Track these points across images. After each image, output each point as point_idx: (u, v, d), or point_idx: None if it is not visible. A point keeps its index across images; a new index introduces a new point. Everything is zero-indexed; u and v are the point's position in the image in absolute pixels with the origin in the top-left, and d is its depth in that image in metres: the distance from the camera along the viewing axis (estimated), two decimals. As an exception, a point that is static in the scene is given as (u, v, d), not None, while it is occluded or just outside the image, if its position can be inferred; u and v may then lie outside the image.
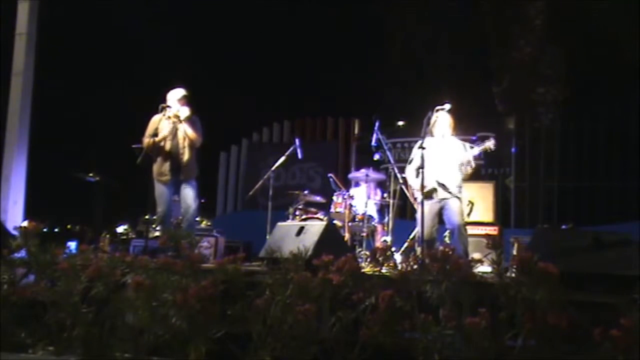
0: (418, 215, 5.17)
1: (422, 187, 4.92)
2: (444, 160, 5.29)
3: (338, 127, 10.41)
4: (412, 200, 6.55)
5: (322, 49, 10.28)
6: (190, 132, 5.51)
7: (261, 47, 10.44)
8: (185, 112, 5.52)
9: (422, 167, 4.86)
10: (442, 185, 5.21)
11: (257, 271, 3.79)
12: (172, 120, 5.47)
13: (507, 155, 8.83)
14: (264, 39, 10.37)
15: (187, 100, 5.58)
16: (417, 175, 5.11)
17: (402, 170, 6.56)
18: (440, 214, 5.33)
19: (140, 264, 3.54)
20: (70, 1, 8.55)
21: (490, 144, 5.21)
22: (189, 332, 3.11)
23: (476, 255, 4.55)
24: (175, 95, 5.57)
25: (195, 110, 5.64)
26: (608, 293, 2.98)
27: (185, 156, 5.51)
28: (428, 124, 5.38)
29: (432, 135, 5.38)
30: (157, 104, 5.54)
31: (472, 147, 5.35)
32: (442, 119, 5.38)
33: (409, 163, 5.47)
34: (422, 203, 4.98)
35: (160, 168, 5.49)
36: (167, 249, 4.06)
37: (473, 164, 5.32)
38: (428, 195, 5.17)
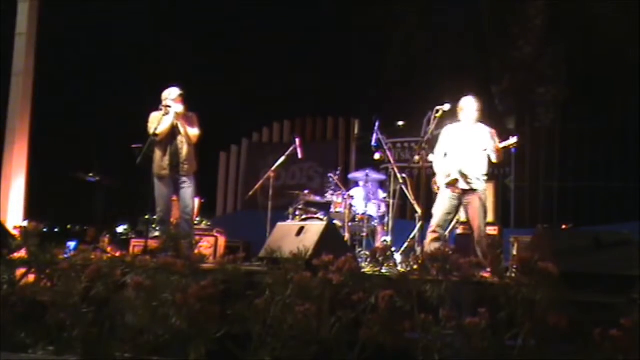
0: (437, 203, 5.19)
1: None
2: (469, 148, 5.23)
3: (338, 127, 10.40)
4: (412, 199, 6.56)
5: (322, 49, 10.27)
6: (189, 130, 5.58)
7: (261, 47, 10.43)
8: (179, 108, 5.56)
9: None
10: (464, 176, 5.15)
11: (257, 271, 3.78)
12: (167, 113, 5.51)
13: (507, 155, 8.81)
14: (264, 39, 10.36)
15: (182, 99, 5.62)
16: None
17: (402, 170, 6.57)
18: (458, 208, 5.30)
19: (140, 264, 3.54)
20: (71, 1, 8.55)
21: (513, 140, 5.24)
22: (189, 332, 3.11)
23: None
24: (171, 94, 5.61)
25: (189, 107, 5.67)
26: (608, 293, 2.98)
27: (184, 151, 5.57)
28: (428, 123, 5.41)
29: (459, 121, 5.34)
30: (156, 104, 5.57)
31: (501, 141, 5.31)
32: (470, 104, 5.32)
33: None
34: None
35: (161, 162, 5.55)
36: (167, 249, 4.06)
37: (495, 156, 5.25)
38: (451, 184, 5.16)
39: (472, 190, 5.15)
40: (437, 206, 5.22)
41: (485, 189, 5.25)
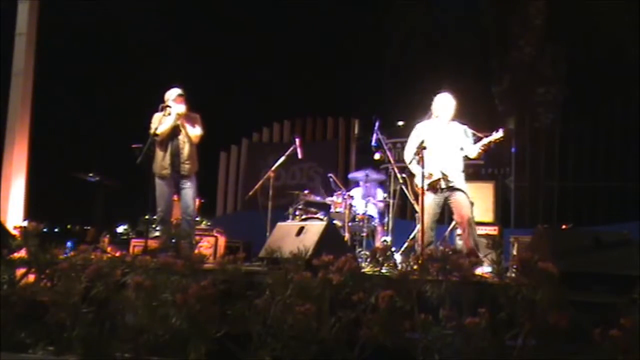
0: (425, 204, 5.13)
1: (423, 175, 4.89)
2: (446, 146, 5.20)
3: (338, 127, 10.40)
4: (412, 199, 6.56)
5: (322, 48, 10.28)
6: (190, 130, 5.58)
7: (261, 47, 10.44)
8: (181, 108, 5.56)
9: (423, 148, 4.85)
10: (444, 175, 5.12)
11: (257, 271, 3.79)
12: (169, 114, 5.52)
13: (507, 155, 8.82)
14: (264, 39, 10.37)
15: (183, 99, 5.63)
16: (419, 163, 5.04)
17: (402, 170, 6.57)
18: (444, 206, 5.27)
19: (140, 264, 3.54)
20: (70, 1, 8.55)
21: (498, 134, 5.07)
22: (189, 332, 3.11)
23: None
24: (171, 95, 5.62)
25: (190, 107, 5.67)
26: (608, 293, 2.98)
27: (186, 151, 5.57)
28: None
29: (435, 118, 5.27)
30: (156, 104, 5.58)
31: (474, 134, 5.25)
32: (445, 101, 5.27)
33: (424, 148, 5.14)
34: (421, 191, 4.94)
35: (162, 162, 5.56)
36: (167, 249, 4.07)
37: (474, 153, 5.20)
38: (434, 184, 5.13)
39: (454, 188, 5.13)
40: (425, 210, 5.13)
41: (465, 186, 5.19)
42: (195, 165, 5.68)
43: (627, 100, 8.58)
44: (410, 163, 5.34)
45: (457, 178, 5.17)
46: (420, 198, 5.10)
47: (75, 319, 3.34)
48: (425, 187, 5.13)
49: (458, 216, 5.23)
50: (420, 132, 5.30)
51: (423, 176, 4.97)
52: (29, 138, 6.94)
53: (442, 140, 5.21)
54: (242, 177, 10.80)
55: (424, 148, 5.06)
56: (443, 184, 5.14)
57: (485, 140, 5.14)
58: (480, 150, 5.16)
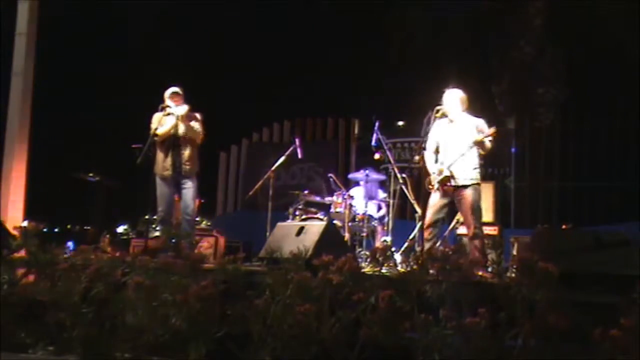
0: (429, 202, 5.12)
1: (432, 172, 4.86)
2: (456, 142, 5.13)
3: (338, 127, 10.40)
4: (412, 199, 6.56)
5: (322, 48, 10.27)
6: (191, 131, 5.58)
7: (261, 47, 10.44)
8: (182, 110, 5.56)
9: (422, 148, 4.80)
10: (451, 173, 5.05)
11: (257, 271, 3.79)
12: (170, 114, 5.52)
13: (507, 155, 8.82)
14: (264, 39, 10.37)
15: (180, 97, 5.63)
16: (436, 161, 5.04)
17: (402, 170, 6.57)
18: (452, 205, 5.26)
19: (140, 264, 3.54)
20: (70, 1, 8.55)
21: (490, 130, 5.04)
22: (189, 332, 3.11)
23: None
24: (167, 94, 5.63)
25: (191, 107, 5.68)
26: (608, 293, 2.98)
27: (186, 152, 5.57)
28: (428, 123, 5.39)
29: (446, 116, 5.22)
30: (156, 104, 5.58)
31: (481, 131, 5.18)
32: (451, 96, 5.23)
33: (424, 149, 5.25)
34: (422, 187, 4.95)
35: (163, 162, 5.56)
36: (167, 249, 4.07)
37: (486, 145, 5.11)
38: (444, 182, 5.08)
39: (463, 186, 5.07)
40: (428, 205, 5.13)
41: (477, 183, 5.10)
42: (195, 166, 5.70)
43: (627, 100, 8.58)
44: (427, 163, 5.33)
45: (468, 175, 5.07)
46: (414, 195, 5.09)
47: (75, 319, 3.34)
48: (436, 184, 5.12)
49: (465, 222, 5.22)
50: (436, 129, 5.28)
51: (419, 173, 4.96)
52: (29, 138, 6.94)
53: (452, 138, 5.17)
54: (242, 177, 10.80)
55: (424, 148, 5.07)
56: (453, 183, 5.09)
57: (478, 137, 5.10)
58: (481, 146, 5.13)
